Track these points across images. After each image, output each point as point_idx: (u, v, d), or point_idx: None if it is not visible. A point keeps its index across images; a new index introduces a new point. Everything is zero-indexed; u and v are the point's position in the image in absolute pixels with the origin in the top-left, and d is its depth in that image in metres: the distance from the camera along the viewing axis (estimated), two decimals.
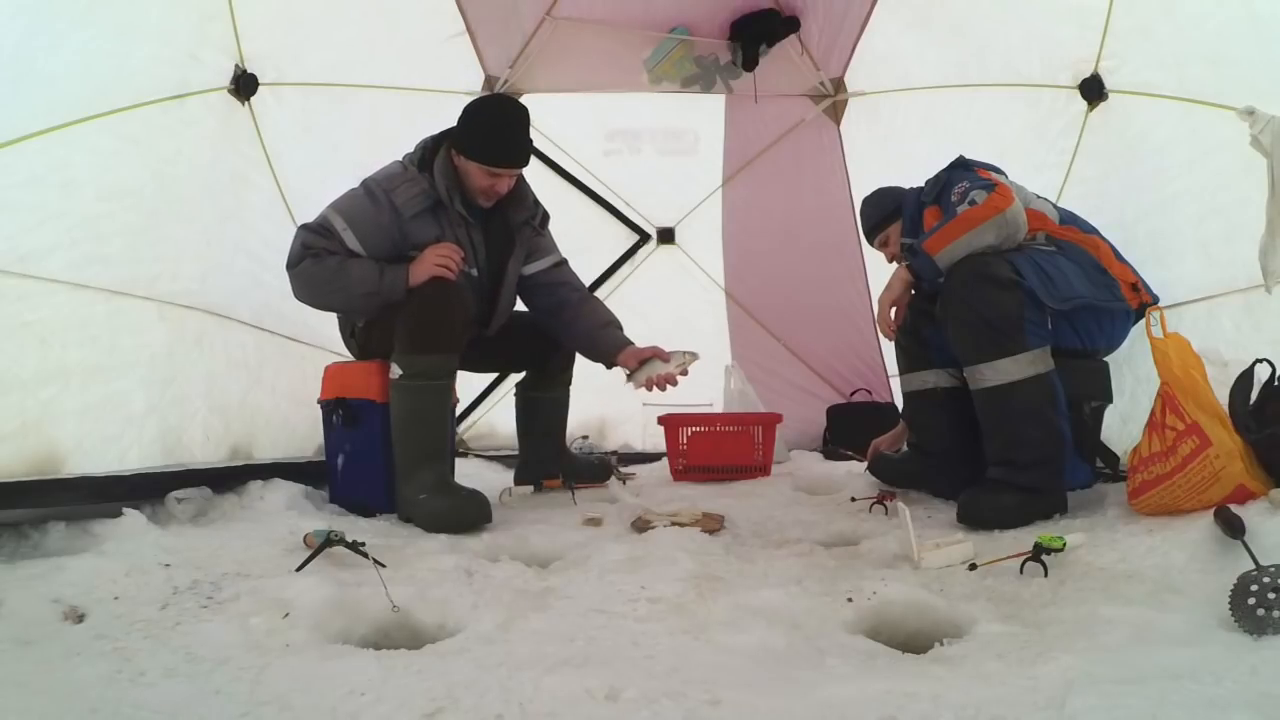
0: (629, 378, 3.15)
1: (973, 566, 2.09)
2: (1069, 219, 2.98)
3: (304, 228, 2.96)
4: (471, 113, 3.06)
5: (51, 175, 2.59)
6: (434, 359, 2.88)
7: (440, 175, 3.01)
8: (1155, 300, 2.87)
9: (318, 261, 2.89)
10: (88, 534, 2.23)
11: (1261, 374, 2.33)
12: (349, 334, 3.18)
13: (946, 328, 2.80)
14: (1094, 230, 2.96)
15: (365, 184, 3.02)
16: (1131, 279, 2.87)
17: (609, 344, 3.24)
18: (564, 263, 3.45)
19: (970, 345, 2.70)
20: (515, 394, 3.77)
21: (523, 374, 3.76)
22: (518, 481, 3.60)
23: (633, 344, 3.23)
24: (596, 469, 3.79)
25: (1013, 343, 2.62)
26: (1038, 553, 2.02)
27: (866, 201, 3.52)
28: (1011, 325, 2.62)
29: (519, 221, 3.24)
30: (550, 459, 3.63)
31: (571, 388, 3.73)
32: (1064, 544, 2.03)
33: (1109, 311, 2.83)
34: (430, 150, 3.07)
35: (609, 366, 3.27)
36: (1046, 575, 1.99)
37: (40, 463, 2.49)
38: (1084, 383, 2.91)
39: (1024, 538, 2.25)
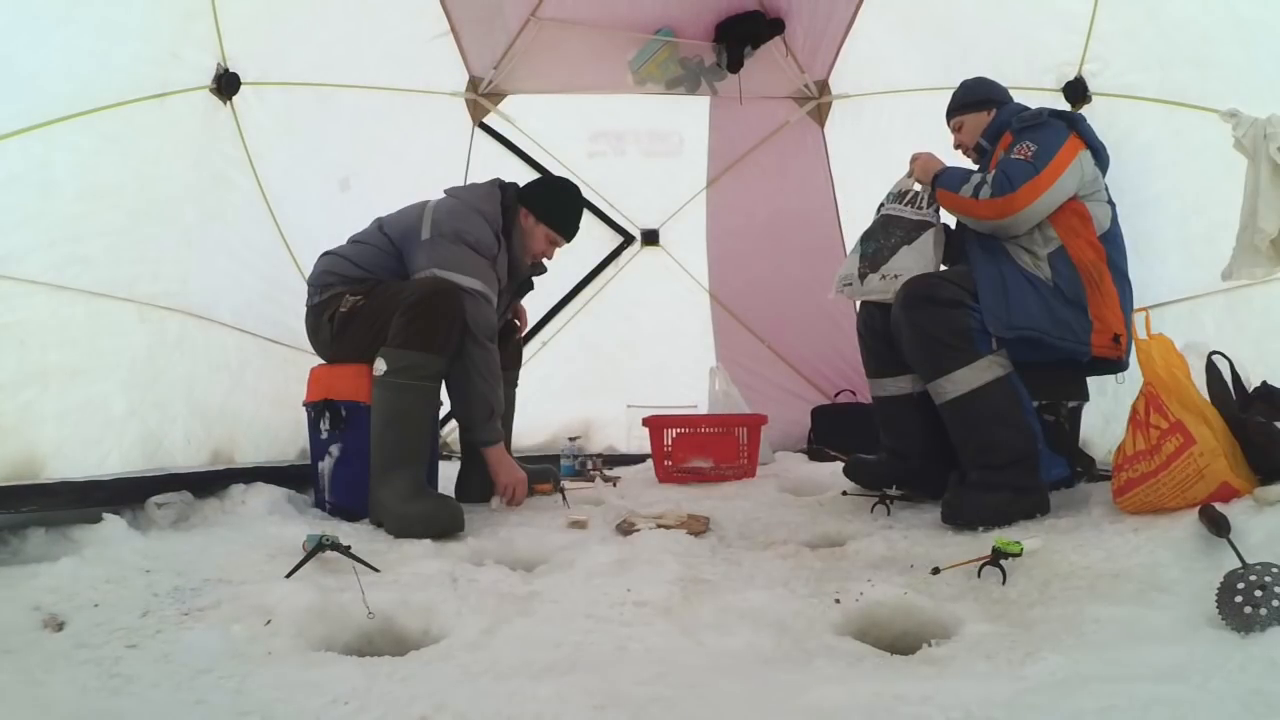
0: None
1: (935, 571, 2.09)
2: (1114, 238, 2.89)
3: (482, 295, 3.06)
4: (556, 189, 3.54)
5: (31, 174, 2.55)
6: (424, 357, 2.84)
7: (517, 249, 3.35)
8: (1125, 367, 2.86)
9: (494, 352, 3.08)
10: (67, 539, 2.19)
11: (1221, 364, 2.39)
12: (326, 318, 3.07)
13: (901, 349, 2.89)
14: (1124, 260, 2.89)
15: (479, 250, 3.13)
16: (1117, 330, 2.78)
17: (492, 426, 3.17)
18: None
19: (926, 363, 2.78)
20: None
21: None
22: (459, 498, 3.24)
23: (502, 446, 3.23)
24: (542, 478, 3.56)
25: (966, 353, 2.68)
26: (996, 557, 2.02)
27: (968, 82, 3.31)
28: (961, 338, 2.69)
29: (527, 277, 3.58)
30: None
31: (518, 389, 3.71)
32: (1021, 549, 2.03)
33: (1060, 349, 2.76)
34: (509, 217, 3.32)
35: (474, 443, 3.28)
36: (1005, 582, 1.98)
37: (19, 466, 2.46)
38: (1061, 383, 2.95)
39: (1005, 537, 2.25)
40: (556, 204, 3.43)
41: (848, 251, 3.37)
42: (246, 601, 1.83)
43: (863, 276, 3.13)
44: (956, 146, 3.29)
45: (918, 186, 3.21)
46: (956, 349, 2.69)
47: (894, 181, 3.30)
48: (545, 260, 3.53)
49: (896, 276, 3.02)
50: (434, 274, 2.99)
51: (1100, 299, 2.78)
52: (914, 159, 3.20)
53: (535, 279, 3.68)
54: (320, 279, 3.18)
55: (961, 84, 3.32)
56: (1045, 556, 2.08)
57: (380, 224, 3.27)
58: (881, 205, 3.28)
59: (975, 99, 3.24)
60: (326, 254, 3.24)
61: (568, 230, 3.45)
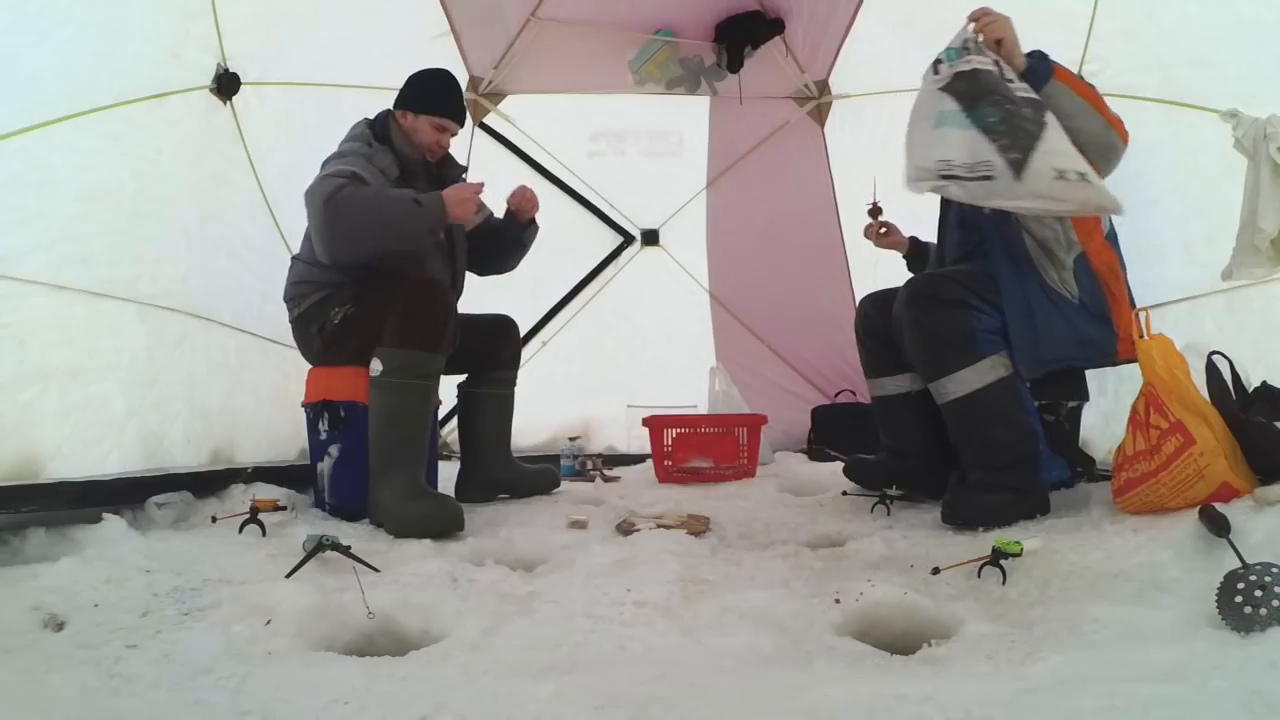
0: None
1: (935, 571, 2.09)
2: (1113, 237, 2.89)
3: (326, 173, 2.93)
4: (420, 77, 3.29)
5: (31, 175, 2.55)
6: (421, 356, 2.84)
7: (401, 145, 3.18)
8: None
9: (357, 188, 2.86)
10: (67, 540, 2.20)
11: (1221, 364, 2.38)
12: (315, 330, 3.05)
13: (904, 348, 2.88)
14: (1123, 264, 2.87)
15: (342, 155, 3.05)
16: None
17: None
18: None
19: (928, 363, 2.77)
20: (457, 394, 3.62)
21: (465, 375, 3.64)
22: (459, 498, 3.16)
23: None
24: (542, 479, 3.64)
25: (969, 354, 2.67)
26: (996, 557, 2.01)
27: None
28: (963, 338, 2.67)
29: (453, 179, 3.35)
30: (497, 465, 3.53)
31: (517, 389, 3.66)
32: (1021, 549, 2.03)
33: (1087, 367, 2.80)
34: (380, 126, 3.20)
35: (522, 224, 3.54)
36: (1005, 582, 1.98)
37: (19, 467, 2.45)
38: (1061, 383, 2.93)
39: (1005, 537, 2.25)
40: (426, 91, 3.24)
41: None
42: (246, 601, 1.83)
43: (1016, 166, 2.34)
44: None
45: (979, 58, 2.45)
46: (959, 349, 2.68)
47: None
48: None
49: (1083, 175, 2.33)
50: (315, 179, 2.92)
51: (1118, 306, 2.76)
52: (977, 16, 2.57)
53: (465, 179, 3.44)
54: (294, 290, 3.14)
55: None
56: (1045, 556, 2.07)
57: None
58: (938, 63, 2.58)
59: None
60: (294, 261, 3.20)
61: (444, 109, 3.23)
